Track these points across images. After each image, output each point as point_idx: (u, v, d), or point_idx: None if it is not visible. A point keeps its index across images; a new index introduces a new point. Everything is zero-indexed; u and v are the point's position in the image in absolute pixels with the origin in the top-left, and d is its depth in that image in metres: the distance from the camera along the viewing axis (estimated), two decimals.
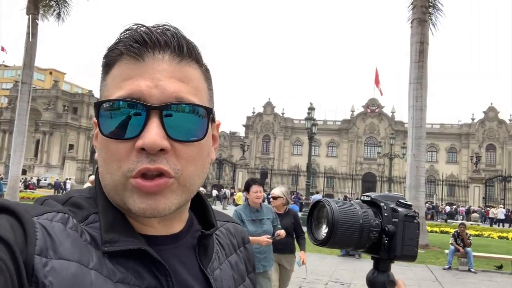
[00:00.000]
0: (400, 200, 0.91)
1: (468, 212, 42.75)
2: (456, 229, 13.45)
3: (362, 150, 75.67)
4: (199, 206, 0.87)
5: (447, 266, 12.55)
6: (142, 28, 0.73)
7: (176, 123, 0.70)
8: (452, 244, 12.85)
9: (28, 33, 22.01)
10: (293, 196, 44.59)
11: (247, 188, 5.19)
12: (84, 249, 0.66)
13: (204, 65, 0.79)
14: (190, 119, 0.72)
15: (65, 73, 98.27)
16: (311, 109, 25.05)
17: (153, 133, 0.68)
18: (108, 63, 0.74)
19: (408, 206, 0.91)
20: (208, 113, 0.74)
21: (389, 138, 47.29)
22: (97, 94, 0.80)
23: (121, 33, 0.74)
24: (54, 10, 24.03)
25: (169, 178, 0.70)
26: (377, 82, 66.58)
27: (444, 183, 60.43)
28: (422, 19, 18.30)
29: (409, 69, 18.44)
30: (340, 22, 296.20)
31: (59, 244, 0.64)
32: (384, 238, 0.87)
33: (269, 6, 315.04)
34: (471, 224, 31.31)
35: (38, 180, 51.16)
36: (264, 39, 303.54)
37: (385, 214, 0.88)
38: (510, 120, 72.38)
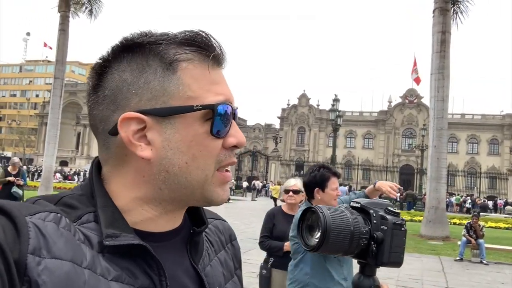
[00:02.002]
0: (389, 208, 0.94)
1: (506, 205, 41.54)
2: (469, 221, 13.32)
3: (400, 141, 74.34)
4: None
5: (458, 258, 12.47)
6: (211, 37, 0.77)
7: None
8: (464, 235, 12.75)
9: (60, 30, 23.00)
10: None
11: (321, 183, 3.25)
12: (78, 248, 0.67)
13: None
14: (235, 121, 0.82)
15: None
16: (336, 100, 25.08)
17: (242, 134, 0.80)
18: (179, 60, 0.74)
19: (396, 214, 0.94)
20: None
21: (421, 130, 46.42)
22: None
23: (191, 35, 0.76)
24: (86, 8, 24.97)
25: None
26: (413, 71, 65.08)
27: (484, 175, 58.75)
28: (443, 8, 17.97)
29: (430, 59, 18.19)
30: (379, 11, 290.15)
31: (52, 244, 0.64)
32: (372, 244, 0.90)
33: None
34: (505, 217, 30.49)
35: (77, 173, 52.75)
36: (301, 30, 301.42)
37: (374, 221, 0.91)
38: None
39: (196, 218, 0.88)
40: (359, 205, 0.95)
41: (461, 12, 20.01)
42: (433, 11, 18.31)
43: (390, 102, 76.40)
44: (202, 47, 0.75)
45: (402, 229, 0.92)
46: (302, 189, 4.18)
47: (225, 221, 1.02)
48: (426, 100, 73.44)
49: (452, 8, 19.01)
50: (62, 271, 0.63)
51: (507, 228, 23.61)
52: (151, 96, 0.73)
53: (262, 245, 4.46)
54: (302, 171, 65.71)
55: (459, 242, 13.05)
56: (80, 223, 0.71)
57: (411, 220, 23.85)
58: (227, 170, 0.80)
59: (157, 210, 0.77)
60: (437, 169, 17.58)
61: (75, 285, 0.63)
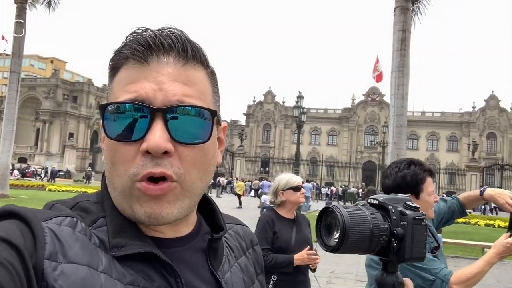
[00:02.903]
0: (408, 203, 0.92)
1: None
2: None
3: (363, 138, 75.70)
4: (206, 208, 0.89)
5: None
6: (147, 32, 0.74)
7: (180, 125, 0.71)
8: None
9: (16, 22, 22.18)
10: None
11: (414, 186, 2.32)
12: (94, 253, 0.67)
13: (209, 67, 0.80)
14: (194, 121, 0.72)
15: (66, 62, 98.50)
16: (300, 97, 25.20)
17: (157, 136, 0.68)
18: (114, 67, 0.75)
19: (416, 209, 0.92)
20: (213, 116, 0.75)
21: (383, 127, 47.50)
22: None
23: (127, 37, 0.74)
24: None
25: (171, 182, 0.71)
26: (375, 69, 66.24)
27: (444, 171, 60.55)
28: (404, 7, 18.28)
29: (391, 57, 18.50)
30: (344, 9, 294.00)
31: (68, 248, 0.64)
32: (393, 241, 0.88)
33: None
34: None
35: (45, 169, 50.48)
36: (266, 27, 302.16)
37: (394, 217, 0.89)
38: (511, 108, 72.01)
39: (214, 224, 0.87)
40: (377, 202, 0.93)
41: (420, 12, 20.46)
42: (394, 10, 18.61)
43: (353, 99, 77.68)
44: (129, 46, 0.73)
45: (423, 223, 0.90)
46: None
47: (246, 226, 1.01)
48: (388, 98, 73.99)
49: (412, 8, 19.39)
50: (78, 275, 0.63)
51: (464, 223, 24.35)
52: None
53: (265, 262, 3.36)
54: (267, 168, 66.02)
55: None
56: (96, 227, 0.72)
57: None
58: (160, 181, 0.70)
59: None
60: None
61: None
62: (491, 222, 24.51)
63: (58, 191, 29.30)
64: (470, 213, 31.69)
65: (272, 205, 3.76)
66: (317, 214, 0.92)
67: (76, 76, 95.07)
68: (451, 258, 12.67)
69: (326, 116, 78.01)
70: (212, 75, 0.81)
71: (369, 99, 75.86)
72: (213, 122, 0.75)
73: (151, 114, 0.70)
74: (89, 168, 47.08)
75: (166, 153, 0.70)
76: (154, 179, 0.70)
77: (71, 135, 67.32)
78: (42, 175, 47.61)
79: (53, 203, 0.75)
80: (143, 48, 0.72)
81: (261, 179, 42.59)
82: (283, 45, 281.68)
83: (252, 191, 41.60)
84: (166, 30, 0.75)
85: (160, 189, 0.70)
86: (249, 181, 46.19)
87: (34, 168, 50.34)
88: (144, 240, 0.72)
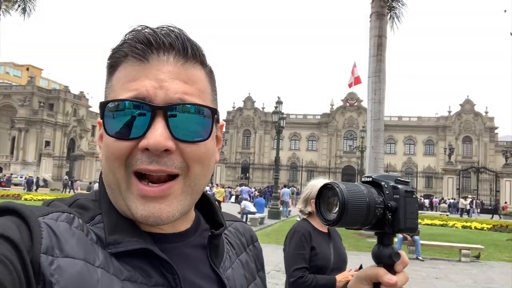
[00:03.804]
0: (398, 178, 0.97)
1: (441, 202, 43.58)
2: None
3: (342, 143, 76.39)
4: (205, 205, 0.89)
5: None
6: (146, 30, 0.73)
7: (181, 123, 0.71)
8: None
9: None
10: (266, 188, 44.79)
11: None
12: (90, 248, 0.67)
13: (208, 66, 0.80)
14: (195, 119, 0.72)
15: (42, 69, 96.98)
16: (279, 103, 25.27)
17: (158, 134, 0.68)
18: (113, 65, 0.75)
19: (406, 183, 0.96)
20: (213, 114, 0.75)
21: (361, 131, 48.00)
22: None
23: (126, 34, 0.74)
24: (18, 5, 23.87)
25: (173, 180, 0.72)
26: (353, 75, 67.02)
27: (421, 175, 61.37)
28: (380, 13, 18.53)
29: (367, 62, 18.69)
30: (322, 16, 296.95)
31: (64, 243, 0.65)
32: (388, 214, 0.91)
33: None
34: (440, 215, 31.93)
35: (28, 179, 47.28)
36: (245, 34, 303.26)
37: (387, 192, 0.94)
38: (486, 112, 73.58)
39: (214, 221, 0.87)
40: (370, 179, 0.97)
41: (397, 19, 20.75)
42: (370, 16, 18.85)
43: (332, 105, 78.35)
44: (129, 43, 0.73)
45: (414, 196, 0.95)
46: None
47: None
48: (365, 103, 74.67)
49: (389, 14, 19.66)
50: (75, 269, 0.63)
51: (442, 225, 24.70)
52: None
53: (303, 284, 2.86)
54: (247, 174, 66.01)
55: (396, 239, 13.46)
56: (93, 224, 0.72)
57: None
58: (161, 183, 0.71)
59: None
60: (375, 169, 18.06)
61: (88, 284, 0.64)
62: (468, 224, 24.88)
63: (35, 200, 28.69)
64: (447, 215, 32.23)
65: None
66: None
67: (53, 83, 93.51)
68: (429, 260, 12.81)
69: (305, 122, 78.51)
70: (210, 73, 0.81)
71: (348, 104, 76.68)
72: (213, 120, 0.76)
73: (152, 112, 0.70)
74: (66, 177, 46.31)
75: (166, 151, 0.70)
76: (154, 178, 0.71)
77: (47, 143, 66.09)
78: (25, 186, 44.54)
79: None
80: (142, 45, 0.72)
81: (241, 185, 42.50)
82: (262, 52, 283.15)
83: (233, 197, 41.46)
84: (165, 29, 0.74)
85: (160, 191, 0.71)
86: (229, 187, 46.04)
87: (4, 178, 48.45)
88: (140, 237, 0.72)
